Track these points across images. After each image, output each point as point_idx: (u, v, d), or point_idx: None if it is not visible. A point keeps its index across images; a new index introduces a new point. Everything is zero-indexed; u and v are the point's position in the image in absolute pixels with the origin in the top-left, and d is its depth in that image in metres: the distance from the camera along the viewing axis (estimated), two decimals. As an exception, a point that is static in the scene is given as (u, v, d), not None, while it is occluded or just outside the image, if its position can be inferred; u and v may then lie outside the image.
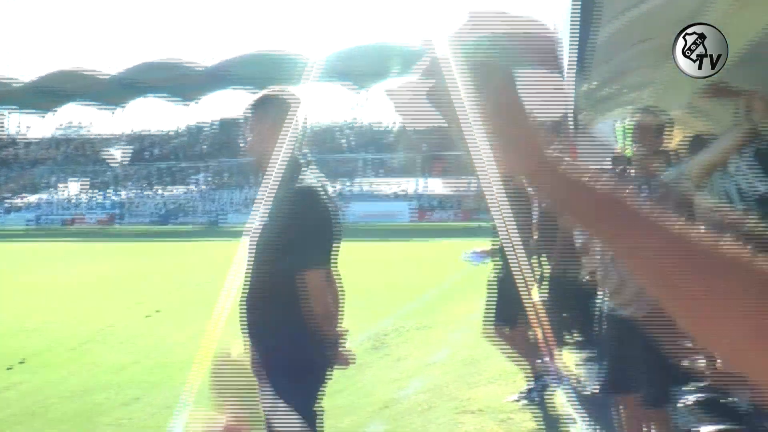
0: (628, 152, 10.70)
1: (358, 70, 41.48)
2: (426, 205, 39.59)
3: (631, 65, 5.31)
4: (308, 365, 2.69)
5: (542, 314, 5.07)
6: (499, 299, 5.44)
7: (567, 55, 4.93)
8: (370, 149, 45.40)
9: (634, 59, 5.05)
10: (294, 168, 2.71)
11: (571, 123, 10.16)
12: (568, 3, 3.13)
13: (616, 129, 11.03)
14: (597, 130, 14.16)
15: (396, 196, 40.79)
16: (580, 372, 5.96)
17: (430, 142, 37.12)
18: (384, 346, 7.05)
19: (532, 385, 5.52)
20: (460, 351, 6.99)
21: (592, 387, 5.30)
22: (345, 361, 2.89)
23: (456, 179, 38.16)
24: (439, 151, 41.46)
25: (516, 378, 5.87)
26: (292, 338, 2.65)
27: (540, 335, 6.37)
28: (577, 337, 6.64)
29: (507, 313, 5.40)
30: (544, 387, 5.47)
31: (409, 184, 41.72)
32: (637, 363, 3.22)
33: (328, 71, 38.19)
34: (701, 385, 3.26)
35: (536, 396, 5.43)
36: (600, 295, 3.54)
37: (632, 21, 3.91)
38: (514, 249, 5.11)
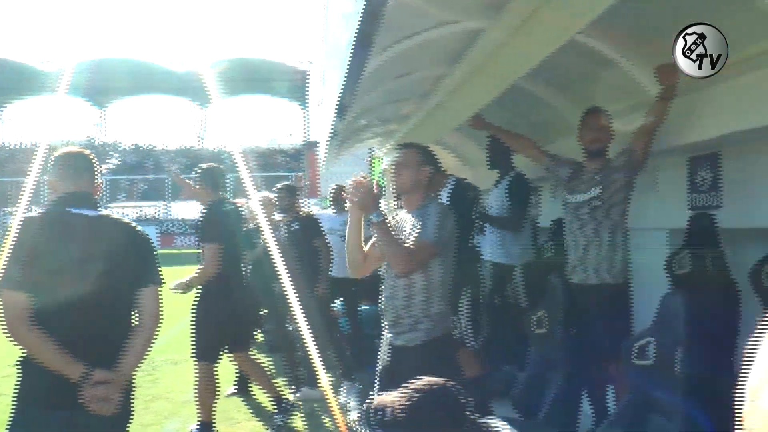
0: (379, 181, 11.08)
1: (98, 85, 38.38)
2: (172, 230, 37.82)
3: (391, 97, 5.46)
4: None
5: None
6: (197, 328, 5.41)
7: (329, 86, 4.93)
8: (112, 171, 42.40)
9: (396, 92, 5.20)
10: (65, 201, 2.74)
11: (322, 150, 10.33)
12: (346, 38, 3.11)
13: (371, 159, 11.44)
14: (355, 157, 14.65)
15: (141, 221, 38.59)
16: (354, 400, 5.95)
17: (179, 162, 35.63)
18: (133, 387, 6.45)
19: (276, 410, 5.47)
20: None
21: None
22: (101, 409, 2.57)
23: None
24: (189, 173, 39.98)
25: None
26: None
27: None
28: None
29: (206, 343, 5.37)
30: (287, 411, 5.42)
31: (155, 208, 39.71)
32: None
33: (65, 84, 34.98)
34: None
35: (281, 421, 5.37)
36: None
37: (398, 54, 3.98)
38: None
